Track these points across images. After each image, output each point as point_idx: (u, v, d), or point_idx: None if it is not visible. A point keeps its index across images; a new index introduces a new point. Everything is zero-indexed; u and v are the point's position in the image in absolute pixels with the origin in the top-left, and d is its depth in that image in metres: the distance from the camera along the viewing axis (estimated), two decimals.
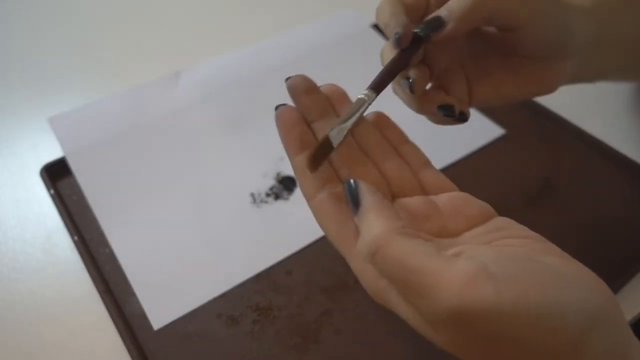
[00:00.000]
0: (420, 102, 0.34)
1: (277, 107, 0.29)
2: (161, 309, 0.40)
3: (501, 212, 0.27)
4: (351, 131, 0.29)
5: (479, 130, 0.53)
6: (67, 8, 0.72)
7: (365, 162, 0.28)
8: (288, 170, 0.49)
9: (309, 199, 0.27)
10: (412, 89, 0.32)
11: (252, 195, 0.48)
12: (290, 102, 0.30)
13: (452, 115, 0.33)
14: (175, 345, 0.38)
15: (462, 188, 0.28)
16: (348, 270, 0.42)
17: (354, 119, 0.29)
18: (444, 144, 0.51)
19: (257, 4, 0.72)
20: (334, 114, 0.29)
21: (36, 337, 0.40)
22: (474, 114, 0.54)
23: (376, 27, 0.64)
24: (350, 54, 0.62)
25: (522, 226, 0.25)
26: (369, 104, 0.30)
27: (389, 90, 0.32)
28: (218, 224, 0.45)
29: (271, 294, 0.41)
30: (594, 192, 0.48)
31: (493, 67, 0.36)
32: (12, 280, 0.43)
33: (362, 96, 0.30)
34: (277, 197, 0.48)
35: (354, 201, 0.24)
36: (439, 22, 0.30)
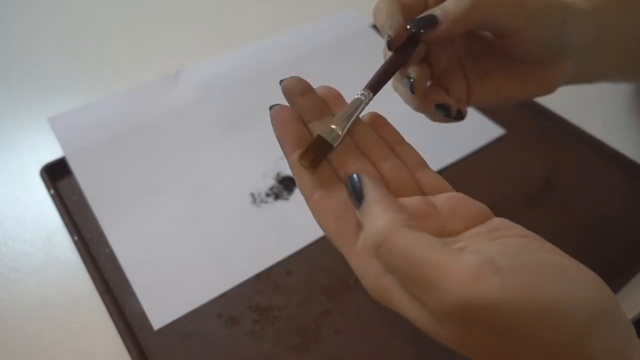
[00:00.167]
0: (419, 100, 0.34)
1: (271, 107, 0.29)
2: (161, 309, 0.40)
3: (501, 212, 0.27)
4: (348, 131, 0.29)
5: (479, 130, 0.53)
6: (67, 8, 0.72)
7: (363, 162, 0.28)
8: (288, 170, 0.49)
9: (307, 196, 0.27)
10: (412, 88, 0.32)
11: (252, 195, 0.48)
12: (286, 104, 0.30)
13: (449, 115, 0.34)
14: (175, 345, 0.38)
15: (462, 188, 0.28)
16: (348, 270, 0.42)
17: (351, 118, 0.29)
18: (444, 144, 0.51)
19: (257, 4, 0.72)
20: (330, 115, 0.29)
21: (36, 337, 0.40)
22: (474, 114, 0.54)
23: (376, 27, 0.64)
24: (350, 54, 0.62)
25: (519, 226, 0.25)
26: (366, 104, 0.30)
27: (387, 91, 0.32)
28: (218, 224, 0.45)
29: (271, 294, 0.41)
30: (594, 192, 0.48)
31: (491, 68, 0.36)
32: (12, 280, 0.43)
33: (359, 96, 0.30)
34: (277, 197, 0.48)
35: (357, 195, 0.24)
36: (432, 21, 0.30)
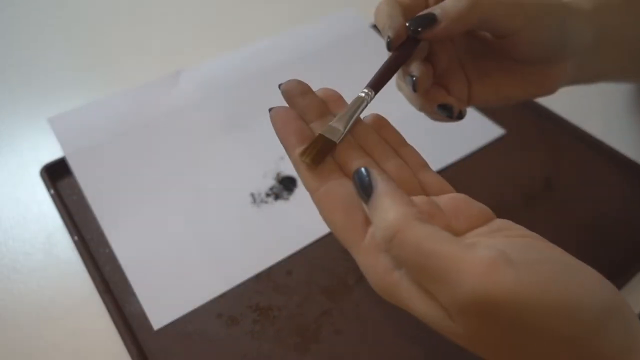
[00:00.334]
0: (422, 100, 0.34)
1: (271, 109, 0.28)
2: (161, 309, 0.40)
3: (501, 211, 0.27)
4: (351, 131, 0.29)
5: (479, 130, 0.53)
6: (67, 8, 0.72)
7: (367, 159, 0.28)
8: (288, 170, 0.49)
9: (312, 191, 0.27)
10: (414, 87, 0.32)
11: (252, 195, 0.48)
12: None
13: (451, 115, 0.34)
14: (175, 345, 0.38)
15: (462, 188, 0.28)
16: (348, 270, 0.42)
17: (354, 116, 0.29)
18: (444, 144, 0.51)
19: (257, 4, 0.72)
20: (331, 115, 0.29)
21: (36, 337, 0.40)
22: (474, 114, 0.54)
23: (376, 27, 0.64)
24: (350, 54, 0.62)
25: (521, 227, 0.25)
26: (368, 102, 0.30)
27: (387, 91, 0.32)
28: (218, 224, 0.45)
29: (271, 294, 0.41)
30: (594, 192, 0.48)
31: (492, 68, 0.36)
32: (12, 280, 0.43)
33: (362, 94, 0.30)
34: (277, 197, 0.48)
35: (366, 188, 0.24)
36: (431, 19, 0.31)
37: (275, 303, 0.40)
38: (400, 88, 0.37)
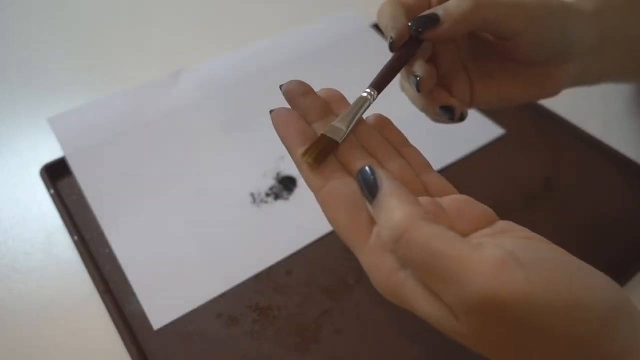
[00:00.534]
0: (425, 100, 0.34)
1: (272, 111, 0.28)
2: (161, 309, 0.40)
3: (501, 211, 0.27)
4: (353, 132, 0.29)
5: (479, 130, 0.53)
6: (67, 8, 0.72)
7: (370, 159, 0.28)
8: (288, 170, 0.49)
9: (316, 190, 0.26)
10: (418, 87, 0.32)
11: (252, 195, 0.48)
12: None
13: (453, 117, 0.34)
14: (175, 345, 0.38)
15: (463, 188, 0.28)
16: (348, 270, 0.42)
17: (356, 116, 0.29)
18: (444, 144, 0.51)
19: (257, 4, 0.72)
20: (334, 115, 0.29)
21: (36, 337, 0.40)
22: (474, 114, 0.54)
23: (376, 27, 0.64)
24: (350, 54, 0.62)
25: (524, 229, 0.25)
26: (371, 103, 0.30)
27: (387, 91, 0.32)
28: (218, 224, 0.45)
29: (271, 294, 0.41)
30: (594, 192, 0.48)
31: (494, 70, 0.36)
32: (12, 281, 0.43)
33: (365, 94, 0.30)
34: (277, 197, 0.48)
35: (370, 188, 0.24)
36: (433, 20, 0.31)
37: (275, 303, 0.40)
38: (403, 88, 0.37)
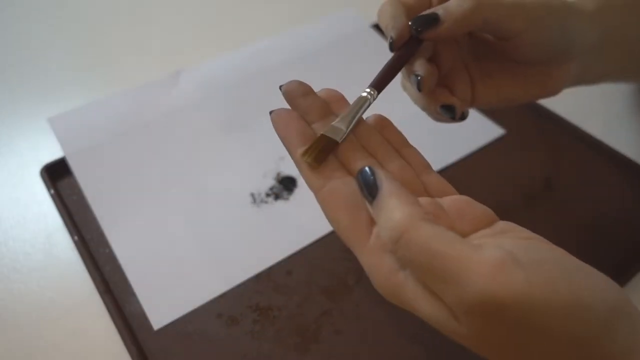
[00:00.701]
0: (427, 99, 0.34)
1: (271, 112, 0.28)
2: (161, 309, 0.40)
3: (501, 211, 0.27)
4: (353, 132, 0.29)
5: (479, 130, 0.53)
6: (67, 8, 0.72)
7: (370, 160, 0.28)
8: (288, 170, 0.49)
9: (316, 190, 0.26)
10: (419, 86, 0.32)
11: (252, 195, 0.48)
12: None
13: (453, 116, 0.34)
14: (175, 345, 0.38)
15: (463, 188, 0.28)
16: (348, 270, 0.42)
17: (356, 116, 0.29)
18: (444, 143, 0.51)
19: (257, 4, 0.72)
20: (334, 115, 0.29)
21: (36, 337, 0.40)
22: (474, 114, 0.54)
23: (376, 27, 0.64)
24: (350, 54, 0.62)
25: (524, 229, 0.25)
26: (371, 102, 0.30)
27: (389, 91, 0.32)
28: (218, 224, 0.45)
29: (271, 294, 0.41)
30: (594, 192, 0.48)
31: (494, 69, 0.36)
32: (12, 280, 0.43)
33: (364, 94, 0.30)
34: (277, 197, 0.48)
35: (370, 188, 0.24)
36: (433, 19, 0.31)
37: (275, 303, 0.40)
38: (405, 87, 0.37)
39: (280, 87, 0.29)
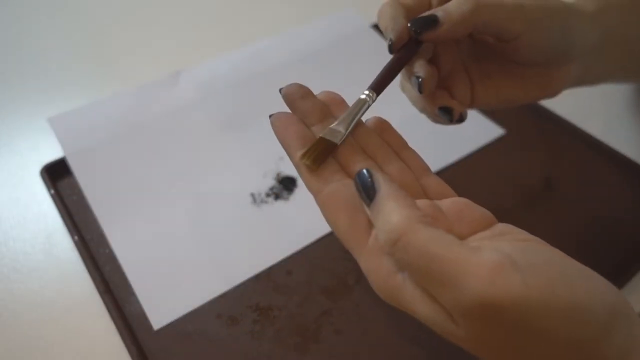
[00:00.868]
0: (426, 101, 0.34)
1: (271, 116, 0.28)
2: (161, 309, 0.40)
3: (501, 212, 0.27)
4: (353, 134, 0.29)
5: (479, 130, 0.53)
6: (68, 8, 0.72)
7: (369, 162, 0.28)
8: (288, 171, 0.49)
9: (315, 193, 0.26)
10: (420, 88, 0.32)
11: (252, 195, 0.48)
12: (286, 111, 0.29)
13: (451, 118, 0.34)
14: (175, 345, 0.38)
15: (463, 188, 0.28)
16: (348, 270, 0.42)
17: (355, 118, 0.29)
18: (444, 143, 0.51)
19: (256, 4, 0.72)
20: (333, 118, 0.29)
21: (36, 337, 0.40)
22: (474, 114, 0.54)
23: (376, 27, 0.64)
24: (350, 54, 0.62)
25: (523, 231, 0.25)
26: (370, 105, 0.30)
27: (389, 92, 0.32)
28: (218, 224, 0.45)
29: (271, 294, 0.41)
30: (594, 192, 0.48)
31: (494, 71, 0.36)
32: (12, 280, 0.43)
33: (364, 96, 0.30)
34: (277, 197, 0.48)
35: (368, 191, 0.24)
36: (433, 21, 0.31)
37: (275, 303, 0.40)
38: (404, 89, 0.37)
39: (280, 89, 0.29)
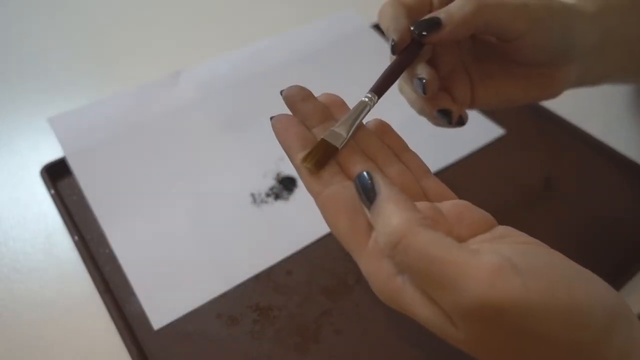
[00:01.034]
0: (426, 103, 0.34)
1: (272, 118, 0.28)
2: (161, 309, 0.40)
3: (501, 212, 0.27)
4: (353, 137, 0.29)
5: (479, 130, 0.53)
6: (68, 8, 0.72)
7: (370, 164, 0.28)
8: (288, 171, 0.49)
9: (316, 195, 0.26)
10: (424, 89, 0.32)
11: (252, 195, 0.48)
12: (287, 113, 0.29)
13: (450, 120, 0.34)
14: (175, 345, 0.38)
15: (463, 188, 0.28)
16: (348, 270, 0.42)
17: (356, 121, 0.29)
18: (444, 144, 0.51)
19: (257, 3, 0.72)
20: (334, 120, 0.29)
21: (36, 337, 0.40)
22: (474, 114, 0.54)
23: (376, 27, 0.64)
24: (350, 54, 0.62)
25: (523, 233, 0.25)
26: (371, 107, 0.30)
27: (389, 92, 0.32)
28: (218, 224, 0.45)
29: (271, 294, 0.41)
30: (594, 192, 0.48)
31: (495, 71, 0.36)
32: (12, 280, 0.43)
33: (365, 99, 0.30)
34: (277, 197, 0.48)
35: (369, 193, 0.24)
36: (436, 23, 0.30)
37: (275, 303, 0.40)
38: (402, 90, 0.37)
39: (281, 92, 0.29)
